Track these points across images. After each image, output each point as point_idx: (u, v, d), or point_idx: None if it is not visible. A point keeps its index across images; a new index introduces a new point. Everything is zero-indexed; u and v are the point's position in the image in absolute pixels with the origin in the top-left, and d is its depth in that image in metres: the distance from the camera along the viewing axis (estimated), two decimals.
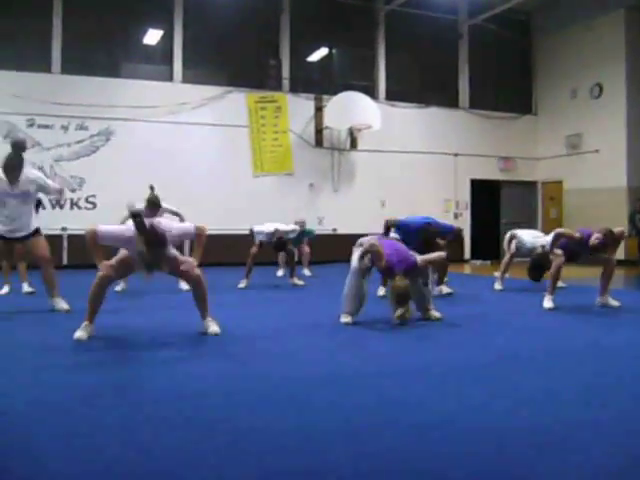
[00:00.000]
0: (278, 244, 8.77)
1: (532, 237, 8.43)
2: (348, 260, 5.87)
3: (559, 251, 6.63)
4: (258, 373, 3.82)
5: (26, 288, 7.83)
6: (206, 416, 2.97)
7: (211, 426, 2.82)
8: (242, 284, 8.75)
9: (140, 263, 4.55)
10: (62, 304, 6.32)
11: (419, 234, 7.08)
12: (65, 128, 12.68)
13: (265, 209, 12.38)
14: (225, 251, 11.93)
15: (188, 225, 5.05)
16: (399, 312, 5.30)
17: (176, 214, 8.47)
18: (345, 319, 5.56)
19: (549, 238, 6.89)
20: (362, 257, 5.62)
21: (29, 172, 6.41)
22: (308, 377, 3.72)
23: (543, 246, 7.39)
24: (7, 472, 2.34)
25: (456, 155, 15.64)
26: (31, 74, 12.55)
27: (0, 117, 12.31)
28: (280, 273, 10.77)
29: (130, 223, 4.80)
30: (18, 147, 6.44)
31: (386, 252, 5.55)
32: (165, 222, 4.97)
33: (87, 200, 12.72)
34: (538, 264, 7.01)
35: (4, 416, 2.97)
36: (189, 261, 5.02)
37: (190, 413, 3.01)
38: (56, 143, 12.62)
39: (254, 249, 8.91)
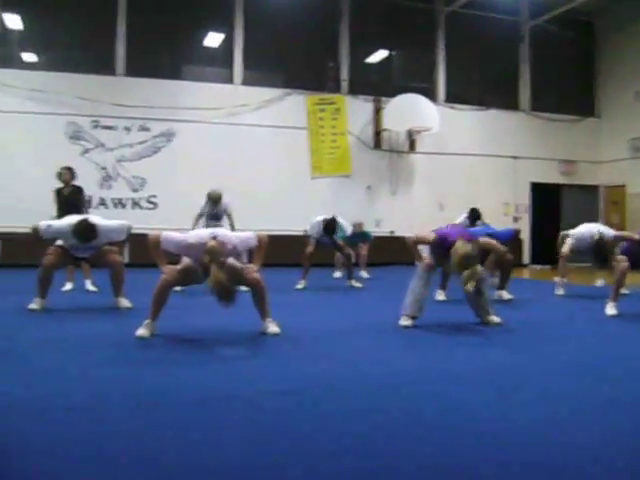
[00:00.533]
0: (328, 224, 8.74)
1: (588, 228, 8.14)
2: (405, 262, 5.76)
3: (622, 257, 6.43)
4: (319, 374, 3.75)
5: (89, 286, 7.90)
6: (273, 417, 2.92)
7: (274, 427, 2.75)
8: (300, 285, 8.73)
9: (212, 294, 4.50)
10: (125, 302, 6.38)
11: None
12: (128, 129, 12.89)
13: (323, 211, 12.33)
14: (284, 252, 11.93)
15: (249, 235, 5.01)
16: (467, 274, 4.98)
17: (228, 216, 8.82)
18: (405, 322, 5.43)
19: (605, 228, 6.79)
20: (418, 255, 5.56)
21: (107, 231, 6.29)
22: (368, 380, 3.62)
23: (601, 233, 7.29)
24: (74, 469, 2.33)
25: (515, 158, 15.36)
26: (96, 76, 12.82)
27: (66, 118, 12.59)
28: (337, 275, 10.72)
29: (197, 233, 4.98)
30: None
31: (440, 232, 5.51)
32: (229, 237, 4.94)
33: (148, 200, 12.89)
34: (600, 249, 6.88)
35: (68, 411, 2.95)
36: (249, 267, 5.02)
37: (251, 413, 2.97)
38: (119, 144, 12.83)
39: (309, 249, 8.91)
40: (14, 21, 12.97)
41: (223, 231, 5.18)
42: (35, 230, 6.28)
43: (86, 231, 6.07)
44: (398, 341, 4.98)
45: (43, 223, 6.31)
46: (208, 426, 2.75)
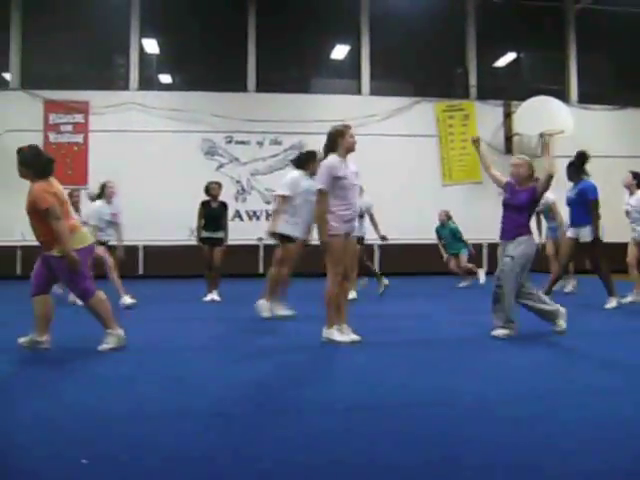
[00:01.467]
0: None
1: None
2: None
3: None
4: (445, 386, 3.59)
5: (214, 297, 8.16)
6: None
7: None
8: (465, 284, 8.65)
9: None
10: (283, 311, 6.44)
11: None
12: (260, 143, 13.19)
13: (455, 219, 12.11)
14: (415, 261, 11.85)
15: None
16: None
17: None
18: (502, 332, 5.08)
19: None
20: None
21: None
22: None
23: None
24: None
25: None
26: (228, 94, 13.22)
27: (202, 135, 13.03)
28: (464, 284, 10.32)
29: None
30: None
31: None
32: None
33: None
34: None
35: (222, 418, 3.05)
36: None
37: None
38: (252, 158, 13.14)
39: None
40: (151, 46, 13.61)
41: None
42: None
43: None
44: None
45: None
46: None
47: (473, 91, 14.01)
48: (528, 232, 5.25)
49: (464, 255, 10.27)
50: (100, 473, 2.30)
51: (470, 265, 10.21)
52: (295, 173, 6.44)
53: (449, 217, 10.52)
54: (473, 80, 14.03)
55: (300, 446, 2.54)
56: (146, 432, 2.78)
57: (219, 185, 8.60)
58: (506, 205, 5.33)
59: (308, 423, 2.88)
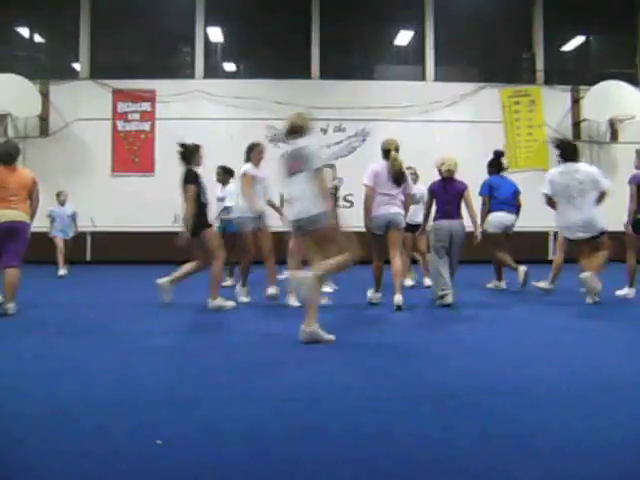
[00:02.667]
0: None
1: None
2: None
3: None
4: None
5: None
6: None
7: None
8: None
9: None
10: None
11: None
12: (324, 130, 13.20)
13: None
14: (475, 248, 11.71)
15: None
16: None
17: None
18: None
19: None
20: None
21: None
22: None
23: None
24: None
25: None
26: (292, 81, 13.26)
27: (266, 123, 13.10)
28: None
29: None
30: None
31: None
32: None
33: (345, 199, 13.07)
34: None
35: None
36: None
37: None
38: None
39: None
40: (216, 34, 13.75)
41: None
42: None
43: None
44: None
45: None
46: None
47: (540, 76, 13.73)
48: None
49: None
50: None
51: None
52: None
53: None
54: (540, 65, 13.74)
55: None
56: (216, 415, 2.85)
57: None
58: None
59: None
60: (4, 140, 5.41)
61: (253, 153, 7.31)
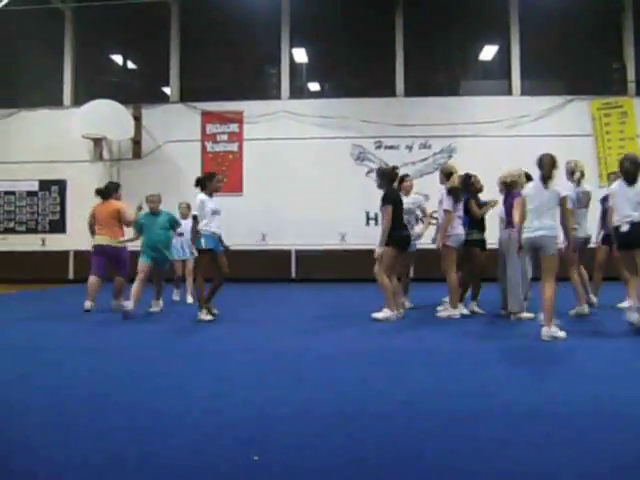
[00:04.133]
0: None
1: None
2: None
3: None
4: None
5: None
6: None
7: None
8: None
9: None
10: None
11: None
12: (409, 148, 13.23)
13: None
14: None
15: None
16: None
17: None
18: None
19: None
20: None
21: None
22: None
23: None
24: None
25: None
26: (377, 99, 13.37)
27: (351, 141, 13.25)
28: None
29: None
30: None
31: None
32: None
33: (431, 216, 13.04)
34: None
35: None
36: None
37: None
38: (402, 162, 13.07)
39: None
40: (301, 55, 14.01)
41: None
42: None
43: None
44: None
45: None
46: None
47: (631, 87, 13.34)
48: None
49: None
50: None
51: None
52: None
53: None
54: (631, 75, 13.36)
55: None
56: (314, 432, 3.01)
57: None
58: None
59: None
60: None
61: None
